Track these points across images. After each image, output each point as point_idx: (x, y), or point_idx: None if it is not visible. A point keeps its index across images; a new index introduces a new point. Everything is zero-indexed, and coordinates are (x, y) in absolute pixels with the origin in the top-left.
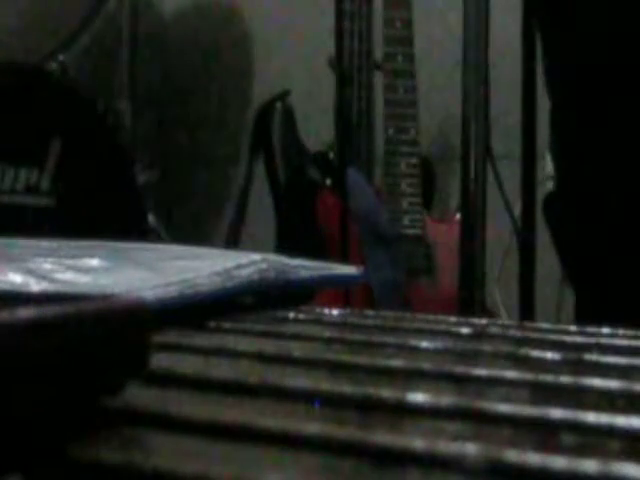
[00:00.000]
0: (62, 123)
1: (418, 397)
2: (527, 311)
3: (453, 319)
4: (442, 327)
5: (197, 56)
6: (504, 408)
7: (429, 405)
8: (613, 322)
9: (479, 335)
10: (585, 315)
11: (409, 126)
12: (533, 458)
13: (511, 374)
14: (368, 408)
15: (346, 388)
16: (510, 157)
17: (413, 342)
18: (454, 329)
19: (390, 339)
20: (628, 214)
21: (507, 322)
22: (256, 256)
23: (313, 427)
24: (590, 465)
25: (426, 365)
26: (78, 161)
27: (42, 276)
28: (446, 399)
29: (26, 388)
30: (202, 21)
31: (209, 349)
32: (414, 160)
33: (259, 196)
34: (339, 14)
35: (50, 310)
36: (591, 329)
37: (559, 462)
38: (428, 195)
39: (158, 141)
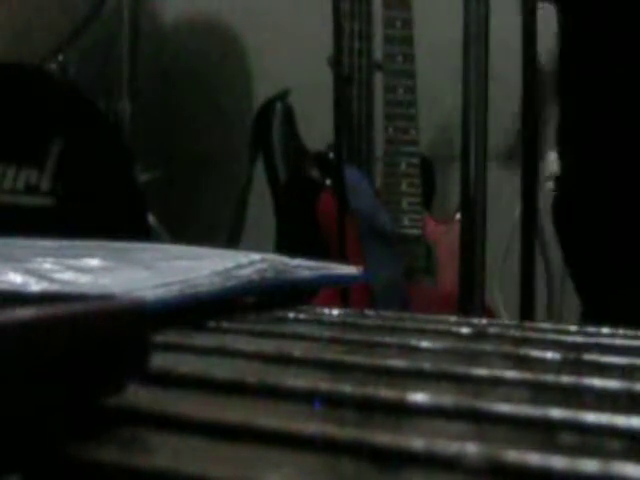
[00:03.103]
0: (62, 123)
1: (418, 397)
2: (527, 311)
3: (453, 319)
4: (442, 327)
5: (196, 56)
6: (504, 408)
7: (429, 405)
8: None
9: (479, 335)
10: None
11: (409, 126)
12: (533, 458)
13: (511, 374)
14: (368, 408)
15: (346, 388)
16: (510, 157)
17: (413, 342)
18: (454, 329)
19: (390, 339)
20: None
21: (507, 322)
22: (256, 256)
23: (313, 427)
24: (590, 465)
25: (426, 365)
26: (78, 161)
27: (42, 276)
28: (446, 399)
29: (26, 388)
30: (201, 20)
31: (209, 349)
32: (414, 160)
33: (259, 196)
34: (337, 14)
35: (50, 310)
36: (591, 329)
37: (559, 462)
38: (428, 195)
39: (159, 141)
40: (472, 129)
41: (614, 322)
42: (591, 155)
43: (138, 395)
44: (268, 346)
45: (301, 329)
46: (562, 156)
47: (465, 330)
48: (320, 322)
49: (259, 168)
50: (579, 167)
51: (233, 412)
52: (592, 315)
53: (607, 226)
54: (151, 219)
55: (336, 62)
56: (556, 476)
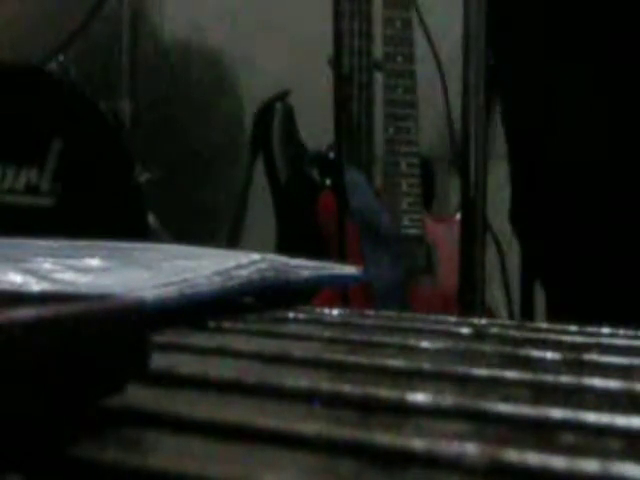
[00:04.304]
0: (62, 123)
1: (418, 397)
2: (527, 311)
3: (453, 319)
4: (442, 327)
5: (196, 56)
6: (504, 408)
7: (429, 405)
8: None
9: (479, 335)
10: (556, 316)
11: (409, 126)
12: (533, 458)
13: (511, 374)
14: (368, 408)
15: (346, 388)
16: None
17: (413, 342)
18: (454, 329)
19: (390, 339)
20: (592, 216)
21: (507, 322)
22: (256, 256)
23: (313, 427)
24: (590, 465)
25: (426, 365)
26: (78, 161)
27: (42, 276)
28: (446, 399)
29: (26, 388)
30: (202, 21)
31: (209, 349)
32: (414, 160)
33: (259, 196)
34: (337, 14)
35: (50, 310)
36: (591, 329)
37: (559, 462)
38: (428, 195)
39: (158, 141)
40: (472, 129)
41: (581, 317)
42: (538, 160)
43: (138, 395)
44: (268, 346)
45: (301, 329)
46: (511, 161)
47: (465, 330)
48: (320, 322)
49: (259, 168)
50: (529, 173)
51: (233, 412)
52: (557, 310)
53: (564, 220)
54: (151, 219)
55: (336, 62)
56: (556, 476)
